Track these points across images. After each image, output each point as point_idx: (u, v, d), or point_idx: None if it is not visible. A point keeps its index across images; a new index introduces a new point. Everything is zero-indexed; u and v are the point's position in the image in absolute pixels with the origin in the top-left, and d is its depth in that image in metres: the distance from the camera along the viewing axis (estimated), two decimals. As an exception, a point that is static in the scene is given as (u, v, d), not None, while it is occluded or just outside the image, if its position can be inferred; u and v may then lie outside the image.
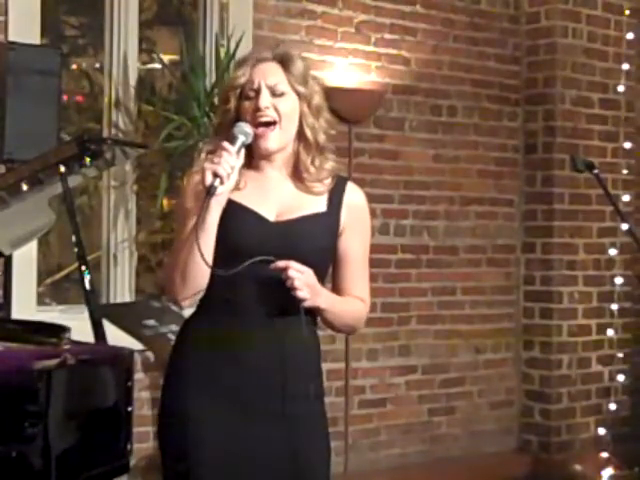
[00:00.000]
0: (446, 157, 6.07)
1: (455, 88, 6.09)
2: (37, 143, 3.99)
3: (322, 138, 2.64)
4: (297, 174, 2.64)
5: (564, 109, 6.29)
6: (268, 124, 2.58)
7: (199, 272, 2.51)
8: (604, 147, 6.46)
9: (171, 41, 5.53)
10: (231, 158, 2.49)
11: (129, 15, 5.05)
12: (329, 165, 2.65)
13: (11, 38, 4.48)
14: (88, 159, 3.39)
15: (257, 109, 2.57)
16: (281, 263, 2.48)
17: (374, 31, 5.77)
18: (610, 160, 6.45)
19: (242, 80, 2.61)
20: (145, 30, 5.36)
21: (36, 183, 3.50)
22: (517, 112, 6.37)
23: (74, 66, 5.52)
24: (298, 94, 2.61)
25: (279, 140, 2.60)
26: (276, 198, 2.62)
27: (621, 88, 6.50)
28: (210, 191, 2.46)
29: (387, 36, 5.81)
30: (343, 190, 2.66)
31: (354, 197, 2.68)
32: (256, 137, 2.58)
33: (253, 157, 2.63)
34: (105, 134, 5.00)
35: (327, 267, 2.66)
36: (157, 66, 5.34)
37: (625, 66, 6.51)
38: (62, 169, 3.36)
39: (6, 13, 4.58)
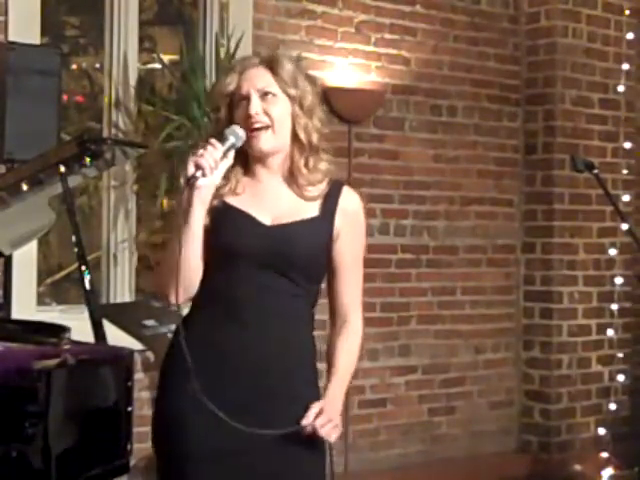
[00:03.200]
0: (446, 157, 6.06)
1: (455, 88, 6.09)
2: (37, 143, 3.99)
3: (315, 138, 2.63)
4: (292, 178, 2.63)
5: (564, 109, 6.29)
6: (260, 129, 2.58)
7: (187, 268, 2.50)
8: (604, 147, 6.46)
9: (171, 41, 5.54)
10: (216, 152, 2.49)
11: (129, 15, 5.05)
12: (322, 165, 2.64)
13: (11, 38, 4.48)
14: (88, 159, 3.40)
15: (248, 116, 2.57)
16: (309, 423, 2.49)
17: (374, 31, 5.76)
18: (610, 160, 6.45)
19: (231, 88, 2.62)
20: (145, 30, 5.36)
21: (36, 183, 3.50)
22: (517, 112, 6.37)
23: (74, 66, 5.52)
24: (289, 96, 2.60)
25: (272, 141, 2.59)
26: (272, 203, 2.62)
27: (621, 88, 6.49)
28: (190, 181, 2.47)
29: (387, 36, 5.81)
30: (338, 195, 2.65)
31: (349, 202, 2.66)
32: (249, 139, 2.58)
33: (249, 163, 2.64)
34: (105, 134, 5.00)
35: (321, 270, 2.65)
36: (157, 66, 5.34)
37: (625, 66, 6.50)
38: (62, 169, 3.36)
39: (6, 13, 4.58)
